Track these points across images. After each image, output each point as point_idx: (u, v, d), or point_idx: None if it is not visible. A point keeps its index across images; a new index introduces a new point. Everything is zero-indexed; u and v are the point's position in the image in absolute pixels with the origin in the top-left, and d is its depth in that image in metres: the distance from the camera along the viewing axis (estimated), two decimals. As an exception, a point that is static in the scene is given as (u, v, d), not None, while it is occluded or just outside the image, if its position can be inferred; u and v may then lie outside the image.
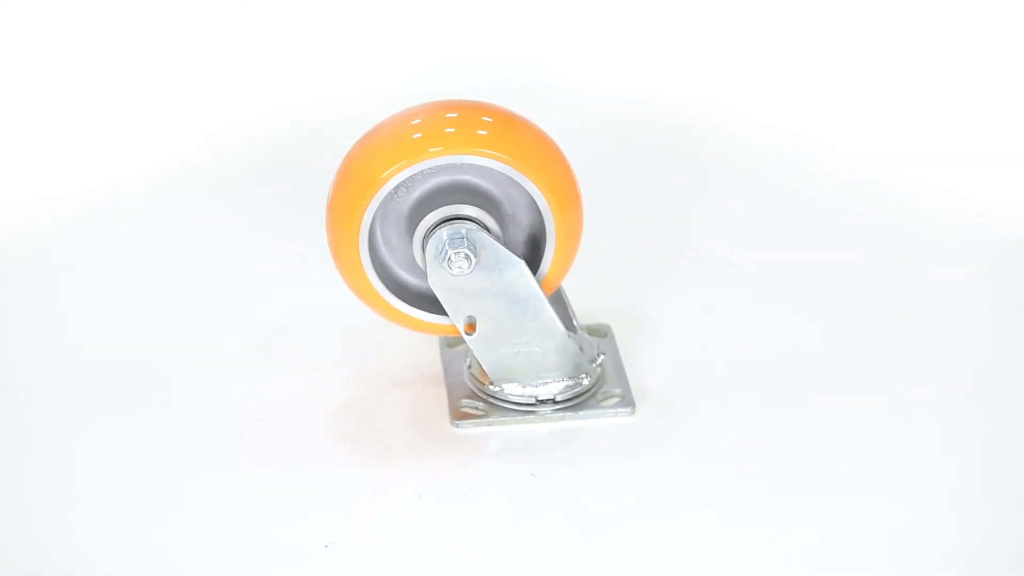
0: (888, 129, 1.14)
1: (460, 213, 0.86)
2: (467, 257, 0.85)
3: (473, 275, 0.86)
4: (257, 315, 0.98)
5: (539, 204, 0.86)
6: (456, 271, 0.85)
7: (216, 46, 1.20)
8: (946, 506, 0.85)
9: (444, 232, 0.85)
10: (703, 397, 0.92)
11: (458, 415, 0.90)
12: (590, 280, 0.95)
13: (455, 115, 0.85)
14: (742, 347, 0.95)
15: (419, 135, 0.85)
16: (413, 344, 0.94)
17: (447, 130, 0.85)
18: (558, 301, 0.92)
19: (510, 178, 0.85)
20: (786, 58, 1.19)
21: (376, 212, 0.86)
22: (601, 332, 0.94)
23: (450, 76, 1.15)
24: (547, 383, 0.90)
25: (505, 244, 0.87)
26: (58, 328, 0.97)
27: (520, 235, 0.88)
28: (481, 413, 0.90)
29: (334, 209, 0.86)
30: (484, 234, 0.85)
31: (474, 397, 0.91)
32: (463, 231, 0.85)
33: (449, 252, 0.85)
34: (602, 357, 0.91)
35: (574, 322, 0.92)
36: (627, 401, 0.90)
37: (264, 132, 1.16)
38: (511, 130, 0.85)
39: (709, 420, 0.90)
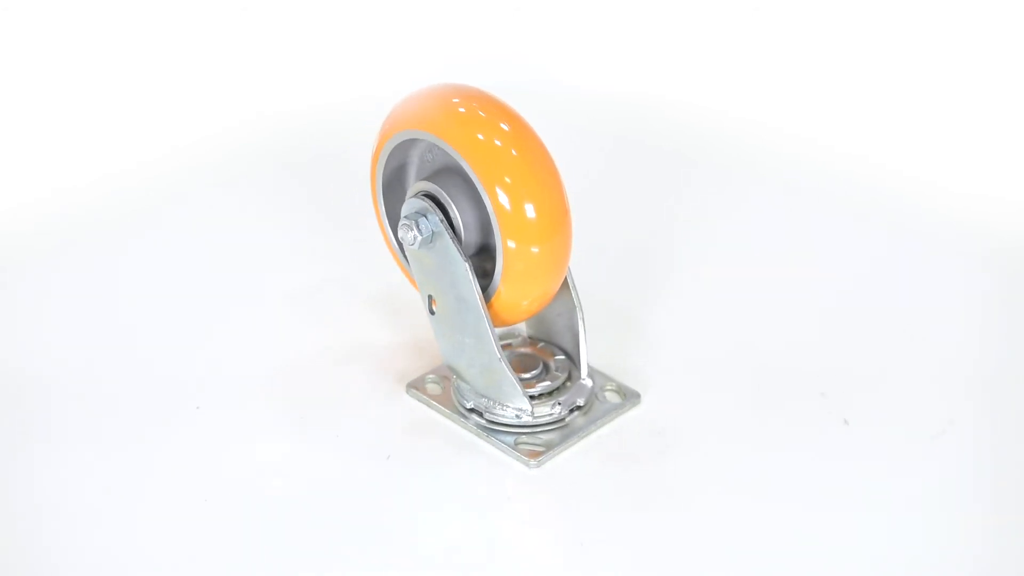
0: (887, 128, 1.14)
1: (438, 196, 0.87)
2: (413, 234, 0.86)
3: (423, 253, 0.87)
4: (275, 296, 1.00)
5: (494, 231, 0.86)
6: (401, 238, 0.87)
7: (217, 49, 1.20)
8: (946, 508, 0.85)
9: (414, 203, 0.87)
10: (698, 402, 0.92)
11: (415, 384, 0.92)
12: (589, 280, 0.95)
13: (484, 115, 0.85)
14: (739, 348, 0.96)
15: (446, 117, 0.85)
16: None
17: (459, 126, 0.85)
18: (574, 343, 0.91)
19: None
20: (786, 59, 1.19)
21: (406, 161, 0.88)
22: (624, 393, 0.91)
23: (450, 76, 1.15)
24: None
25: (477, 245, 0.87)
26: (81, 310, 0.99)
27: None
28: (436, 392, 0.91)
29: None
30: (438, 219, 0.86)
31: (446, 377, 0.92)
32: (426, 209, 0.86)
33: (404, 220, 0.87)
34: (558, 408, 0.89)
35: (581, 365, 0.91)
36: (537, 453, 0.88)
37: (263, 132, 1.16)
38: (510, 153, 0.84)
39: (702, 425, 0.90)
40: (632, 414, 0.90)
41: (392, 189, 0.90)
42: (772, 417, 0.90)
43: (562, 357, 0.92)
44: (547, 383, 0.90)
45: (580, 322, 0.90)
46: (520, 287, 0.87)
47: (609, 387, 0.91)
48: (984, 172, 1.10)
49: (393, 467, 0.87)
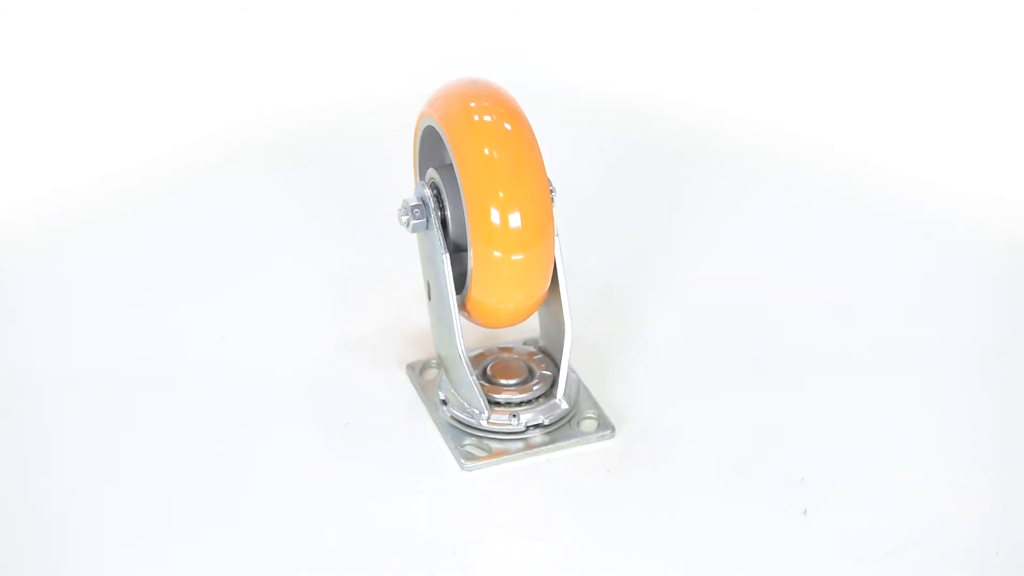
0: (887, 128, 1.14)
1: (440, 188, 0.87)
2: (407, 218, 0.87)
3: (422, 237, 0.88)
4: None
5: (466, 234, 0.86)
6: (399, 219, 0.88)
7: (218, 49, 1.20)
8: (944, 511, 0.85)
9: (419, 189, 0.88)
10: (681, 417, 0.91)
11: (413, 366, 0.92)
12: (587, 280, 0.95)
13: (489, 121, 0.85)
14: (737, 350, 0.95)
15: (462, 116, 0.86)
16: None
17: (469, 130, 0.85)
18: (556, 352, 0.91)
19: None
20: (786, 59, 1.19)
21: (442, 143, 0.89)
22: (601, 423, 0.89)
23: (450, 76, 1.15)
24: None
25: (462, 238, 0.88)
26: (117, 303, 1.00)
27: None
28: (432, 376, 0.92)
29: None
30: (432, 207, 0.86)
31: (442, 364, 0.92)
32: (425, 195, 0.87)
33: (402, 204, 0.87)
34: (515, 420, 0.88)
35: (558, 385, 0.89)
36: (468, 457, 0.87)
37: (263, 132, 1.16)
38: (497, 163, 0.84)
39: (692, 429, 0.90)
40: (599, 444, 0.89)
41: (426, 164, 0.90)
42: (764, 417, 0.90)
43: (549, 373, 0.91)
44: (515, 394, 0.89)
45: (566, 343, 0.89)
46: (489, 293, 0.86)
47: (590, 414, 0.90)
48: (984, 172, 1.10)
49: (338, 439, 0.89)
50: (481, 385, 0.88)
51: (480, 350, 0.92)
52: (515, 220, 0.84)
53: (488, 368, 0.90)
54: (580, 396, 0.90)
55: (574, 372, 0.91)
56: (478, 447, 0.88)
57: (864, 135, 1.14)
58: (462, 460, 0.87)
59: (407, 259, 0.92)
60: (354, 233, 1.05)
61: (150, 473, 0.87)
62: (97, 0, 1.18)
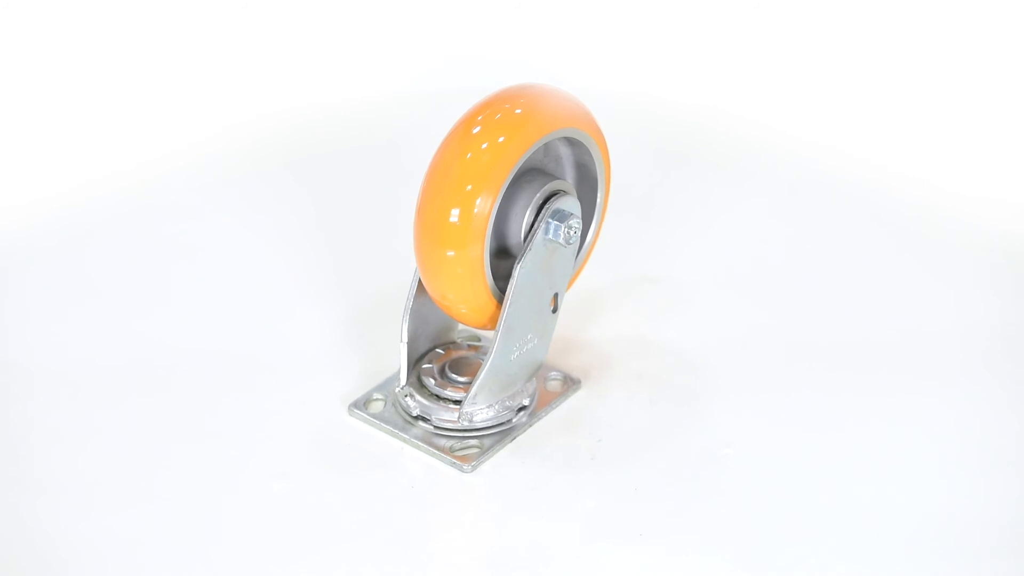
0: (888, 129, 1.15)
1: None
2: None
3: None
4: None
5: None
6: None
7: (217, 49, 1.21)
8: (944, 516, 0.85)
9: None
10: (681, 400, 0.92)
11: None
12: (580, 280, 0.95)
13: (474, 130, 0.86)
14: (734, 350, 0.96)
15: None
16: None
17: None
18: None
19: None
20: (786, 58, 1.20)
21: None
22: (473, 454, 0.88)
23: (450, 76, 1.15)
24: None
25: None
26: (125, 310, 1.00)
27: None
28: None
29: None
30: None
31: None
32: None
33: None
34: (409, 402, 0.89)
35: (464, 402, 0.89)
36: (359, 405, 0.90)
37: (263, 132, 1.16)
38: (441, 159, 0.85)
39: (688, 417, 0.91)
40: (448, 468, 0.88)
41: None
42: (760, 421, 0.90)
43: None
44: (436, 386, 0.90)
45: (482, 368, 0.88)
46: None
47: (474, 444, 0.89)
48: (985, 173, 1.10)
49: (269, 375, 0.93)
50: (425, 366, 0.91)
51: (478, 344, 0.93)
52: (430, 215, 0.85)
53: (452, 358, 0.91)
54: (515, 425, 0.90)
55: (524, 403, 0.90)
56: (371, 405, 0.91)
57: (864, 135, 1.14)
58: (352, 405, 0.90)
59: (407, 255, 0.92)
60: (355, 232, 1.05)
61: (147, 473, 0.87)
62: (97, 0, 1.18)
